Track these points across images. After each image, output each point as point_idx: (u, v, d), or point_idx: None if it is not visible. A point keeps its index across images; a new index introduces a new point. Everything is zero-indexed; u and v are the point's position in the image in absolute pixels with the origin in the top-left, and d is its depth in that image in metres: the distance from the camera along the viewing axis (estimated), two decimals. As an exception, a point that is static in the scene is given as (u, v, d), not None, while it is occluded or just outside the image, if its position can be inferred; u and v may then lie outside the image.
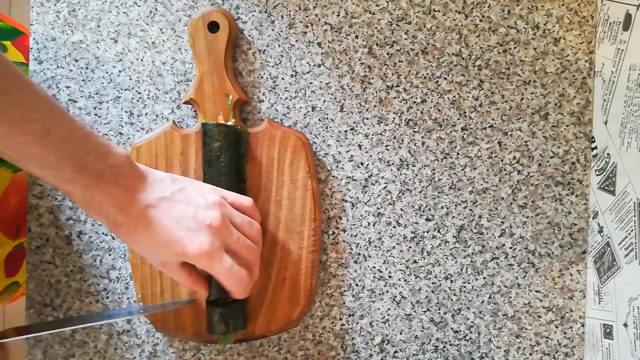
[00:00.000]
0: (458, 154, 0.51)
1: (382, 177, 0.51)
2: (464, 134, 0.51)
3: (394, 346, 0.51)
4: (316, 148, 0.51)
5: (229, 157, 0.47)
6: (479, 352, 0.51)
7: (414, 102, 0.51)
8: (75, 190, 0.38)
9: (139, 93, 0.52)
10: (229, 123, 0.48)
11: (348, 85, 0.51)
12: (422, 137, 0.51)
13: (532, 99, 0.50)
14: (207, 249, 0.40)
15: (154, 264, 0.43)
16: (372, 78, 0.51)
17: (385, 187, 0.51)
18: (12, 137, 0.35)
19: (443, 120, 0.51)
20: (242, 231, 0.44)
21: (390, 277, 0.51)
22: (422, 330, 0.51)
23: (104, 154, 0.38)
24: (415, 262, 0.51)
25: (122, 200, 0.39)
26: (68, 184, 0.38)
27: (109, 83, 0.52)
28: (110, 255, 0.52)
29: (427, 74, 0.51)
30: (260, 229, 0.46)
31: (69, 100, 0.52)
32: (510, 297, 0.51)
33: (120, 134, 0.52)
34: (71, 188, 0.38)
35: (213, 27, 0.49)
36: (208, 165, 0.47)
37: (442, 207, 0.51)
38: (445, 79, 0.51)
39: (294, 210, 0.49)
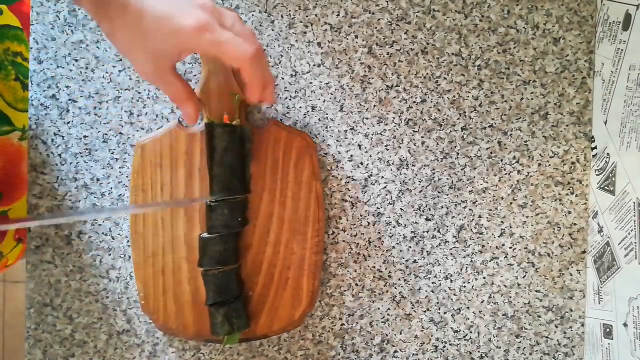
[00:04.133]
0: (458, 154, 0.51)
1: (382, 177, 0.51)
2: (464, 134, 0.51)
3: (394, 346, 0.51)
4: (316, 148, 0.51)
5: (233, 157, 0.47)
6: (479, 352, 0.51)
7: (414, 102, 0.51)
8: None
9: (139, 93, 0.52)
10: (234, 123, 0.48)
11: (348, 85, 0.51)
12: (422, 137, 0.51)
13: (532, 99, 0.50)
14: (204, 21, 0.37)
15: (145, 68, 0.40)
16: (372, 78, 0.51)
17: (385, 187, 0.51)
18: None
19: (443, 120, 0.51)
20: (235, 29, 0.41)
21: (390, 277, 0.51)
22: (422, 330, 0.51)
23: None
24: (415, 262, 0.51)
25: None
26: None
27: (109, 83, 0.52)
28: (110, 255, 0.52)
29: (427, 74, 0.51)
30: (253, 32, 0.42)
31: (69, 100, 0.52)
32: (510, 297, 0.51)
33: (121, 134, 0.52)
34: None
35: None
36: (213, 164, 0.47)
37: (442, 207, 0.51)
38: (445, 79, 0.51)
39: (298, 212, 0.49)
